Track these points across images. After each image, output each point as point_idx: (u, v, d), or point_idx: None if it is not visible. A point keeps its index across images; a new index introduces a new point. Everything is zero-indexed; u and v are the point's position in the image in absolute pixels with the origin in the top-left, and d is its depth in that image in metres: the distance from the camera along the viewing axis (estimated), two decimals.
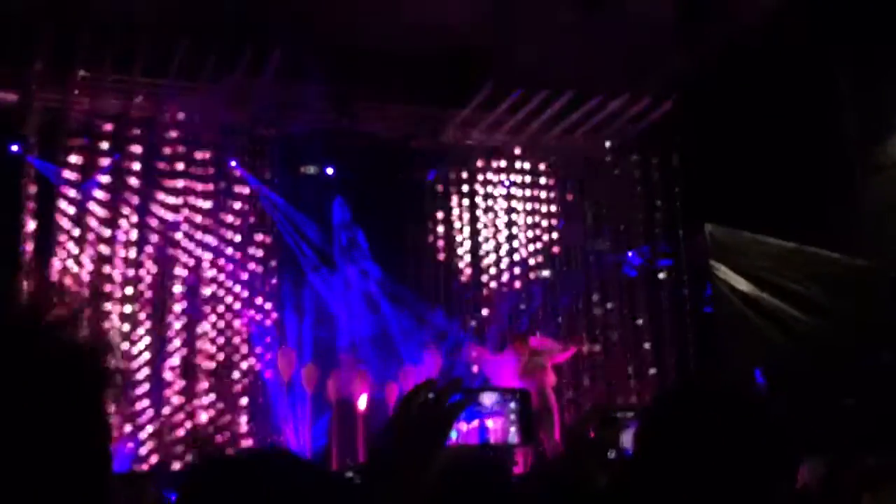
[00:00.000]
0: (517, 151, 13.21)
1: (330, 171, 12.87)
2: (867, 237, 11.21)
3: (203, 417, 11.41)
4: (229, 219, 11.96)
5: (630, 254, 13.26)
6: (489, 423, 3.20)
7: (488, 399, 3.27)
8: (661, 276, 12.87)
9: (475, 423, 3.26)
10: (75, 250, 10.99)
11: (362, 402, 11.31)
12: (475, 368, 12.17)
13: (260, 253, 12.10)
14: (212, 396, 11.55)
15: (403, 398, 1.46)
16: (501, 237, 13.31)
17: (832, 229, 11.08)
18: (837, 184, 11.30)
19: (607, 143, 13.08)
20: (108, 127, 11.32)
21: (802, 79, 10.65)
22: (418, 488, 1.34)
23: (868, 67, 10.52)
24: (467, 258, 13.21)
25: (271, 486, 1.79)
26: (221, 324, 11.78)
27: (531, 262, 13.34)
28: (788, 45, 10.51)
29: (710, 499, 1.53)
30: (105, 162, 11.30)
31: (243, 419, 11.65)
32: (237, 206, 12.03)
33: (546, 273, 13.38)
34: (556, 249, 13.40)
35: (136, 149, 11.44)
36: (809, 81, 10.63)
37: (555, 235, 13.37)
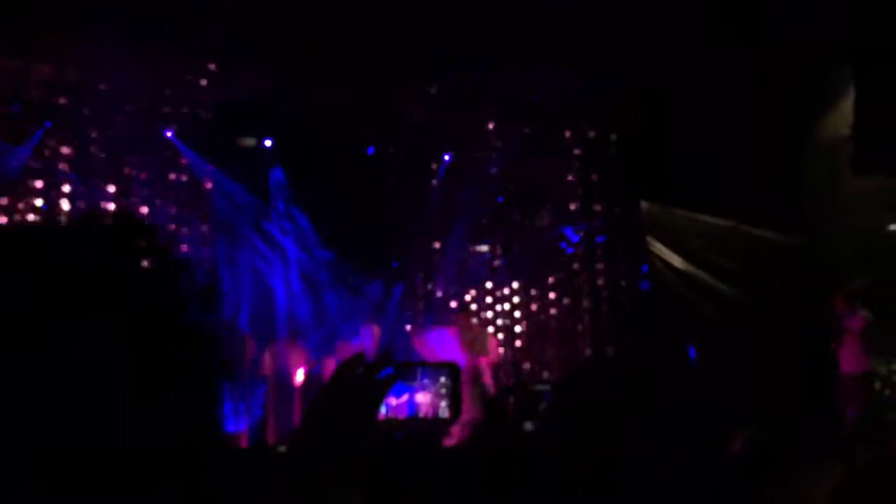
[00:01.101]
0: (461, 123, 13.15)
1: (268, 142, 12.73)
2: (801, 216, 11.44)
3: None
4: (165, 191, 11.78)
5: (567, 230, 13.35)
6: (419, 397, 3.21)
7: (418, 373, 3.26)
8: (598, 251, 13.00)
9: (405, 397, 3.27)
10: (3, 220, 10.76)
11: (299, 376, 11.25)
12: (415, 342, 12.16)
13: (196, 225, 11.94)
14: None
15: (334, 372, 1.43)
16: (441, 211, 13.31)
17: (767, 209, 11.28)
18: (773, 164, 11.49)
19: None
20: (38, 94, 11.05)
21: (741, 58, 10.77)
22: (348, 462, 1.33)
23: (805, 47, 10.67)
24: (409, 232, 13.19)
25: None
26: None
27: (472, 236, 13.36)
28: (728, 24, 10.61)
29: (613, 468, 1.53)
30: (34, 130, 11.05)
31: None
32: (172, 177, 11.83)
33: (485, 248, 13.43)
34: (495, 225, 13.44)
35: (67, 117, 11.19)
36: (748, 60, 10.76)
37: (494, 210, 13.40)
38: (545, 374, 12.71)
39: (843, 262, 11.00)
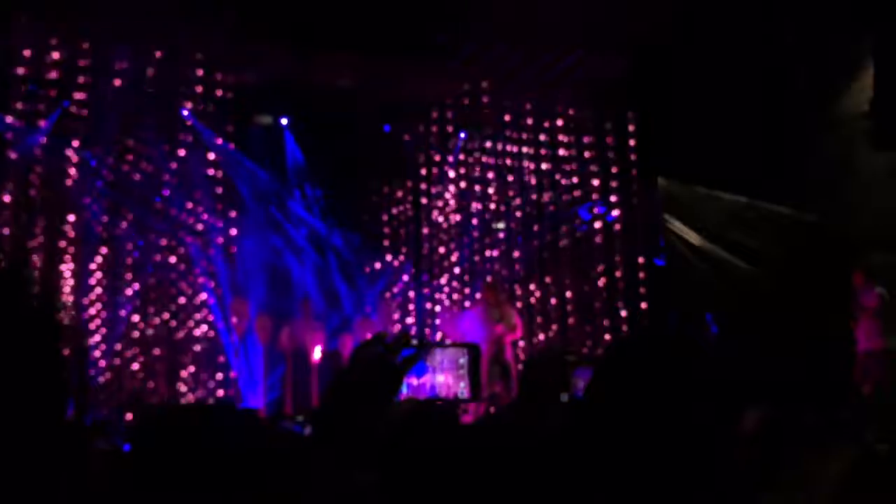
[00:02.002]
0: (473, 105, 13.14)
1: (284, 121, 12.75)
2: (818, 193, 11.39)
3: (155, 370, 11.38)
4: (182, 170, 11.81)
5: (585, 207, 13.34)
6: (439, 377, 3.22)
7: (438, 354, 3.29)
8: (615, 228, 13.00)
9: (426, 377, 3.29)
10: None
11: (316, 353, 11.32)
12: (436, 321, 12.17)
13: (214, 204, 11.98)
14: (164, 348, 11.51)
15: (354, 352, 1.45)
16: (458, 190, 13.32)
17: (784, 185, 11.24)
18: (790, 140, 11.44)
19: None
20: (54, 75, 11.06)
21: (757, 37, 10.73)
22: (368, 441, 1.35)
23: (821, 27, 10.61)
24: (426, 210, 13.21)
25: (216, 436, 1.84)
26: (174, 275, 11.71)
27: (488, 215, 13.37)
28: (744, 4, 10.56)
29: (656, 439, 1.56)
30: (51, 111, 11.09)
31: (197, 371, 11.64)
32: (188, 155, 11.86)
33: (501, 225, 13.42)
34: (513, 203, 13.44)
35: (84, 97, 11.21)
36: (764, 40, 10.71)
37: (511, 190, 13.38)
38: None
39: (861, 239, 10.96)
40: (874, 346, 10.07)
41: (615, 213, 12.97)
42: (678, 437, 1.57)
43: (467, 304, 12.65)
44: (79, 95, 11.20)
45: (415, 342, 1.50)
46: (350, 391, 1.38)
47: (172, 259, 11.72)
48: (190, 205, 11.79)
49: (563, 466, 1.76)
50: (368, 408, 1.36)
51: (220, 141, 12.02)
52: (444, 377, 3.19)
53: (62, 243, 11.07)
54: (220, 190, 12.06)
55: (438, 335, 12.28)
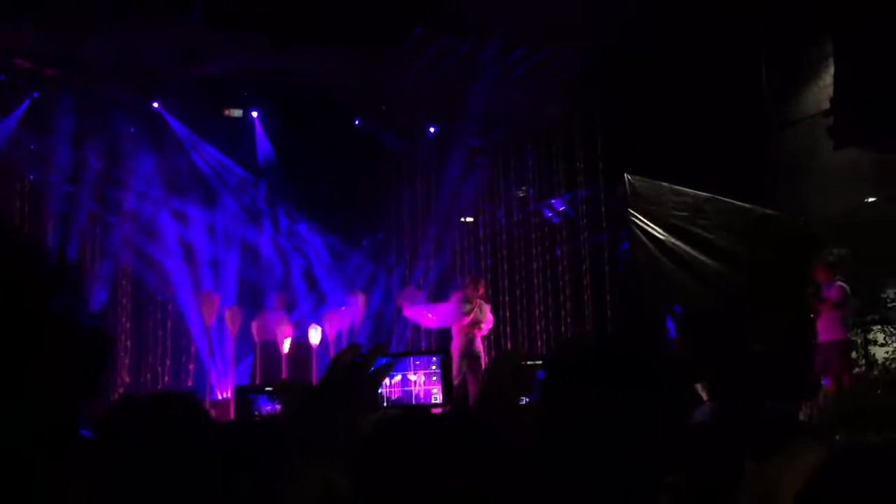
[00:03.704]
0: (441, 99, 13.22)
1: (255, 113, 12.79)
2: (779, 188, 11.60)
3: (123, 361, 11.42)
4: (154, 162, 11.83)
5: (552, 201, 13.49)
6: (411, 375, 3.32)
7: (411, 361, 3.41)
8: (581, 223, 13.16)
9: (398, 377, 3.39)
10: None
11: (286, 345, 11.40)
12: (407, 311, 12.23)
13: (184, 196, 12.02)
14: (133, 339, 11.56)
15: (330, 362, 1.48)
16: (427, 186, 13.43)
17: (746, 180, 11.42)
18: (752, 136, 11.63)
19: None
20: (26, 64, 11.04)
21: (721, 36, 10.89)
22: (344, 452, 1.39)
23: (783, 26, 10.81)
24: (396, 203, 13.31)
25: (180, 426, 1.93)
26: (145, 266, 11.74)
27: (457, 208, 13.48)
28: (708, 4, 10.72)
29: (603, 439, 1.62)
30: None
31: (166, 362, 11.69)
32: (159, 147, 11.88)
33: (470, 219, 13.56)
34: (481, 197, 13.57)
35: (55, 88, 11.19)
36: (727, 39, 10.88)
37: (480, 183, 13.51)
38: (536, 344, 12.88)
39: (821, 234, 11.17)
40: (835, 338, 10.26)
41: (578, 210, 13.11)
42: (623, 434, 1.62)
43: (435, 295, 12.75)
44: (47, 87, 11.17)
45: (389, 351, 1.54)
46: (325, 403, 1.41)
47: (142, 251, 11.75)
48: (160, 196, 11.81)
49: (524, 467, 1.80)
50: (345, 419, 1.40)
51: (190, 133, 12.05)
52: (415, 375, 3.28)
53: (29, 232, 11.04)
54: (191, 181, 12.09)
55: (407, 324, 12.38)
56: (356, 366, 1.44)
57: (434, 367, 3.37)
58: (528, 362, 9.32)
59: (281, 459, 1.36)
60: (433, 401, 3.27)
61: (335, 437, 1.38)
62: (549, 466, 1.67)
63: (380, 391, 1.57)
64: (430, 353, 2.67)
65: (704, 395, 9.87)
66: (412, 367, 3.28)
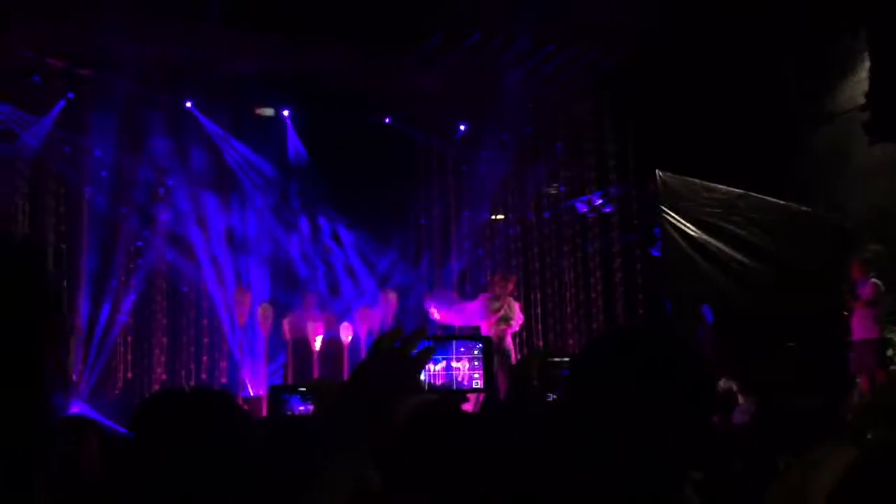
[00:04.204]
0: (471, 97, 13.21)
1: (286, 112, 12.86)
2: (813, 184, 11.49)
3: (157, 358, 11.55)
4: (188, 161, 11.94)
5: (583, 198, 13.45)
6: (455, 363, 3.33)
7: (453, 345, 3.42)
8: (613, 220, 13.12)
9: (442, 363, 3.40)
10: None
11: (318, 342, 11.45)
12: (433, 312, 12.26)
13: (217, 194, 12.12)
14: (169, 336, 11.68)
15: (371, 345, 1.46)
16: (457, 184, 13.44)
17: (780, 177, 11.33)
18: (785, 133, 11.53)
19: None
20: (60, 65, 11.15)
21: (752, 32, 10.82)
22: (385, 436, 1.37)
23: (817, 20, 10.70)
24: (426, 201, 13.34)
25: (215, 421, 1.94)
26: (180, 264, 11.86)
27: (489, 208, 13.50)
28: (738, 2, 10.65)
29: (633, 436, 1.60)
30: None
31: (202, 358, 11.80)
32: (192, 147, 11.99)
33: (500, 217, 13.55)
34: (513, 195, 13.56)
35: (90, 88, 11.31)
36: (759, 35, 10.80)
37: (510, 182, 13.50)
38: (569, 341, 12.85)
39: (856, 231, 11.05)
40: (869, 336, 10.17)
41: (608, 208, 13.08)
42: (651, 433, 1.59)
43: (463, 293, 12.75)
44: (83, 87, 11.29)
45: (431, 334, 1.50)
46: (367, 386, 1.39)
47: (176, 248, 11.87)
48: (193, 195, 11.92)
49: (549, 465, 1.78)
50: (386, 403, 1.37)
51: (223, 132, 12.14)
52: (459, 363, 3.29)
53: (66, 231, 11.18)
54: (223, 181, 12.19)
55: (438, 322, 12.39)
56: (398, 349, 1.43)
57: (476, 353, 3.39)
58: (556, 359, 9.34)
59: (312, 454, 1.34)
60: (474, 385, 3.29)
61: (373, 422, 1.35)
62: (573, 462, 1.66)
63: (422, 376, 1.55)
64: (472, 338, 2.67)
65: (740, 396, 9.82)
66: (455, 354, 3.30)
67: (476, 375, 3.22)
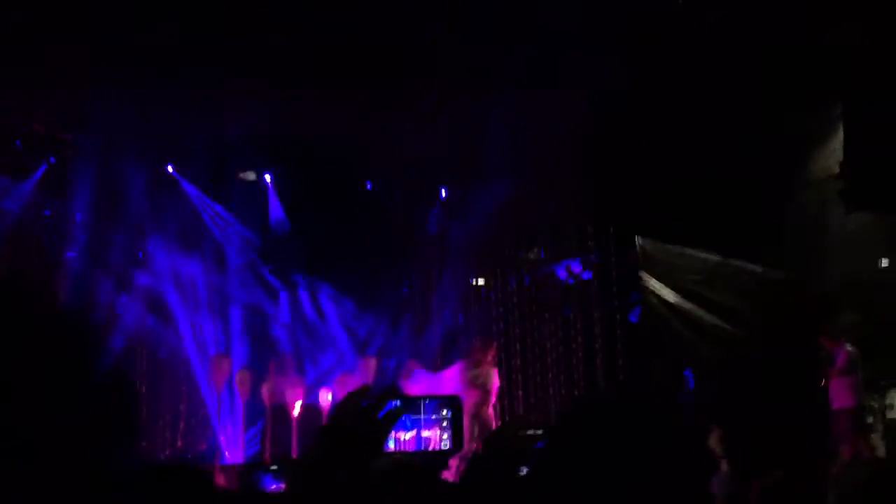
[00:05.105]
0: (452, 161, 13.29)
1: (268, 176, 12.90)
2: (791, 252, 11.57)
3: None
4: (167, 225, 11.94)
5: (563, 264, 13.48)
6: (425, 432, 3.29)
7: (423, 407, 3.39)
8: (593, 286, 13.14)
9: (412, 432, 3.37)
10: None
11: (296, 408, 11.34)
12: (416, 377, 12.16)
13: (197, 258, 12.10)
14: (149, 403, 11.55)
15: (338, 404, 1.43)
16: (438, 249, 13.46)
17: (758, 244, 11.41)
18: (763, 199, 11.65)
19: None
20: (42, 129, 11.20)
21: (731, 98, 10.98)
22: (354, 497, 1.33)
23: (793, 90, 10.87)
24: (407, 266, 13.34)
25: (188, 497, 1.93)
26: (158, 329, 11.79)
27: (471, 273, 13.51)
28: (718, 64, 10.81)
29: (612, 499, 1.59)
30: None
31: (179, 425, 11.67)
32: (172, 211, 12.00)
33: (481, 282, 13.56)
34: (491, 261, 13.58)
35: (71, 152, 11.35)
36: (738, 103, 10.96)
37: (490, 246, 13.51)
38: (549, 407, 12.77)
39: (832, 299, 11.11)
40: (846, 405, 10.15)
41: (588, 274, 13.11)
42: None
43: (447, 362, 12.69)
44: (64, 151, 11.31)
45: (400, 394, 1.46)
46: (333, 444, 1.36)
47: (154, 313, 11.80)
48: (172, 260, 11.89)
49: None
50: (355, 463, 1.34)
51: (203, 195, 12.16)
52: (430, 431, 3.25)
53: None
54: (203, 245, 12.17)
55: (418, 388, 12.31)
56: (365, 409, 1.40)
57: (446, 414, 3.36)
58: (531, 431, 9.34)
59: None
60: (442, 447, 3.25)
61: (341, 483, 1.32)
62: None
63: (392, 445, 1.51)
64: (441, 398, 2.65)
65: (723, 464, 9.74)
66: (425, 423, 3.27)
67: (446, 437, 3.19)
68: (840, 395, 10.14)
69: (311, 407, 11.43)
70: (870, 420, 10.96)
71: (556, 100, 11.83)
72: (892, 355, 11.32)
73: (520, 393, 13.09)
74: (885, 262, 11.40)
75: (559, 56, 10.47)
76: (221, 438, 11.66)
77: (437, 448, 3.45)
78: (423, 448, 3.37)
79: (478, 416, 10.52)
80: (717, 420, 10.27)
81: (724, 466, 9.69)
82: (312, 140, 12.25)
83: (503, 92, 11.44)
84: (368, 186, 13.27)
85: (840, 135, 11.17)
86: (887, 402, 11.54)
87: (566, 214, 13.43)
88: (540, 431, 9.16)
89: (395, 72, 10.77)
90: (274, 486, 6.82)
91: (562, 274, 13.50)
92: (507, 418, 11.91)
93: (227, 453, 11.61)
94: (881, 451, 10.69)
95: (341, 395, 10.69)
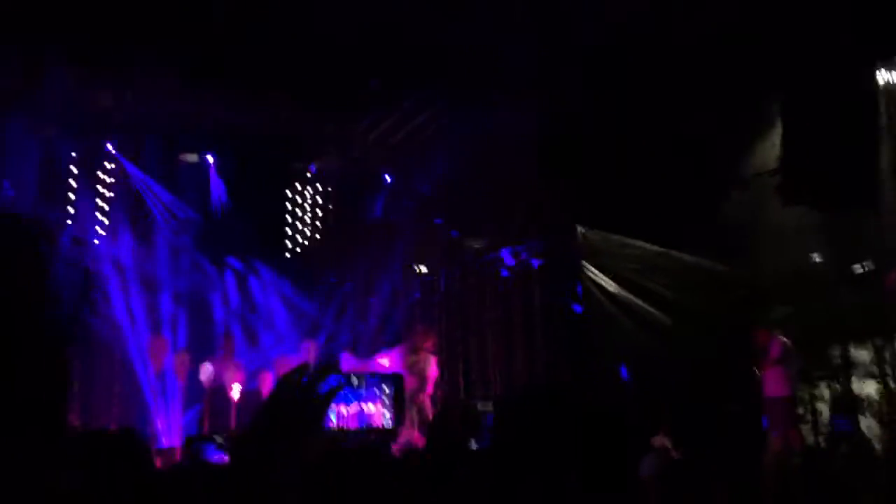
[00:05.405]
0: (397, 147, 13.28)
1: (210, 158, 12.74)
2: (729, 245, 11.77)
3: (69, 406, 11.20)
4: (107, 205, 11.74)
5: (504, 253, 13.55)
6: (369, 406, 3.26)
7: (363, 383, 3.40)
8: (534, 275, 13.23)
9: (354, 406, 3.35)
10: None
11: (235, 391, 11.26)
12: (357, 362, 12.14)
13: (136, 238, 11.91)
14: (83, 384, 11.34)
15: (279, 380, 1.42)
16: (379, 232, 13.44)
17: (697, 237, 11.59)
18: (703, 192, 11.83)
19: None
20: None
21: (670, 95, 11.13)
22: (294, 473, 1.34)
23: (732, 87, 11.05)
24: (348, 251, 13.29)
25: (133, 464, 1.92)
26: (93, 309, 11.59)
27: (411, 258, 13.50)
28: (657, 62, 10.95)
29: (552, 482, 1.61)
30: None
31: (112, 409, 11.49)
32: (113, 191, 11.80)
33: (424, 269, 13.57)
34: (435, 247, 13.60)
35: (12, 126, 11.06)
36: (679, 98, 11.11)
37: (432, 233, 13.53)
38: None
39: (768, 291, 11.33)
40: (780, 394, 10.36)
41: (530, 262, 13.20)
42: (570, 476, 1.61)
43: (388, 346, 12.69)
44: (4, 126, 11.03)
45: (338, 371, 1.48)
46: (274, 420, 1.36)
47: (91, 293, 11.58)
48: (110, 240, 11.70)
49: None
50: (294, 439, 1.34)
51: (144, 175, 11.97)
52: (373, 406, 3.22)
53: None
54: (142, 225, 11.99)
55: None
56: (305, 386, 1.39)
57: (388, 391, 3.37)
58: (479, 406, 9.40)
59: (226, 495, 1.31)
60: (384, 425, 3.26)
61: (280, 460, 1.32)
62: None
63: (333, 419, 1.50)
64: (382, 375, 2.65)
65: (673, 452, 9.94)
66: (366, 398, 3.26)
67: (388, 415, 3.19)
68: (774, 384, 10.34)
69: (250, 390, 11.36)
70: (800, 411, 11.22)
71: (502, 95, 11.90)
72: (823, 348, 11.61)
73: (461, 380, 13.15)
74: (816, 257, 11.65)
75: (505, 56, 10.54)
76: (158, 422, 11.51)
77: (380, 426, 3.46)
78: (365, 424, 3.38)
79: (413, 402, 10.56)
80: (655, 408, 10.49)
81: (675, 455, 9.91)
82: (257, 123, 12.15)
83: (448, 86, 11.49)
84: (313, 170, 13.19)
85: (779, 131, 11.39)
86: (816, 392, 11.83)
87: (510, 203, 13.49)
88: (490, 406, 9.21)
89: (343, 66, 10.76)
90: (217, 457, 6.77)
91: (504, 262, 13.57)
92: (448, 404, 11.93)
93: (163, 437, 11.48)
94: (810, 440, 10.97)
95: (278, 378, 10.68)
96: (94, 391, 11.51)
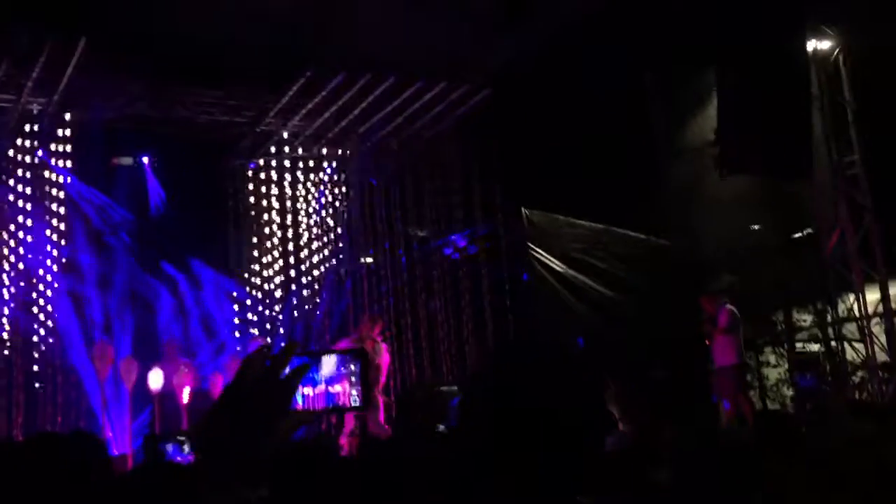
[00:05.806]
0: (336, 138, 13.20)
1: (145, 159, 12.53)
2: (670, 217, 11.92)
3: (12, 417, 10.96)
4: (40, 211, 11.47)
5: (451, 238, 13.55)
6: (336, 387, 3.24)
7: (328, 362, 3.35)
8: (481, 257, 13.26)
9: (320, 387, 3.32)
10: None
11: (185, 395, 11.08)
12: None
13: (74, 244, 11.67)
14: (26, 395, 11.11)
15: (241, 364, 1.37)
16: (322, 225, 13.36)
17: (639, 210, 11.71)
18: (643, 167, 11.95)
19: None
20: None
21: (613, 73, 11.21)
22: (257, 457, 1.29)
23: (669, 60, 11.16)
24: (290, 247, 13.18)
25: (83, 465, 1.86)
26: (42, 317, 11.33)
27: (355, 248, 13.44)
28: (601, 42, 11.02)
29: (529, 458, 1.57)
30: None
31: (57, 419, 11.24)
32: (48, 196, 11.55)
33: (370, 259, 13.51)
34: (380, 234, 13.56)
35: None
36: (618, 73, 11.19)
37: (377, 221, 13.47)
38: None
39: (710, 262, 11.50)
40: (728, 363, 10.53)
41: (474, 247, 13.22)
42: (548, 453, 1.57)
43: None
44: None
45: (303, 351, 1.41)
46: (237, 406, 1.31)
47: (32, 301, 11.34)
48: (49, 246, 11.44)
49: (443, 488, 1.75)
50: (260, 425, 1.29)
51: (78, 181, 11.73)
52: (339, 386, 3.20)
53: None
54: (79, 230, 11.74)
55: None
56: (269, 369, 1.34)
57: (354, 368, 3.33)
58: (444, 388, 9.38)
59: (191, 487, 1.26)
60: (352, 404, 3.23)
61: (247, 447, 1.27)
62: (473, 486, 1.62)
63: (300, 401, 1.46)
64: (347, 352, 2.60)
65: (620, 424, 10.02)
66: (333, 376, 3.22)
67: (355, 393, 3.17)
68: (723, 353, 10.52)
69: (200, 393, 11.19)
70: (749, 378, 11.43)
71: (436, 77, 11.88)
72: (767, 314, 11.84)
73: (413, 370, 13.12)
74: (755, 226, 11.85)
75: (437, 40, 10.52)
76: (107, 429, 11.28)
77: (347, 405, 3.45)
78: (332, 404, 3.35)
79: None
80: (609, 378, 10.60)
81: (621, 427, 9.99)
82: (192, 121, 12.01)
83: (385, 70, 11.44)
84: (252, 166, 13.04)
85: (715, 102, 11.54)
86: (762, 359, 12.07)
87: (452, 189, 13.50)
88: (455, 388, 9.21)
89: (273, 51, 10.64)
90: (180, 458, 6.63)
91: (450, 248, 13.57)
92: (399, 393, 11.93)
93: (112, 445, 11.25)
94: (758, 406, 11.18)
95: (230, 378, 10.58)
96: (39, 402, 11.26)
